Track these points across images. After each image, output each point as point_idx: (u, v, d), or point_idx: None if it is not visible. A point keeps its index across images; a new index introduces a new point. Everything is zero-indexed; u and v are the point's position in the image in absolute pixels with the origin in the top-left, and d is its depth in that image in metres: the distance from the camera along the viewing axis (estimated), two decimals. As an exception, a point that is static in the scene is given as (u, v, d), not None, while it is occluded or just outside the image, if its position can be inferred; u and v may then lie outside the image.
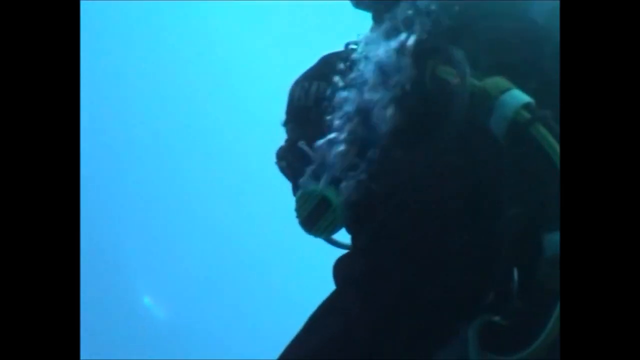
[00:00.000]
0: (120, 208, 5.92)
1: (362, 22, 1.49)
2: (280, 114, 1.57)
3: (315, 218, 1.44)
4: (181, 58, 6.04)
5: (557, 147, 1.21)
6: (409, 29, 1.37)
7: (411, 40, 1.36)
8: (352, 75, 1.42)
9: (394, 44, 1.37)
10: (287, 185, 1.57)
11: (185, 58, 6.01)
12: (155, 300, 6.36)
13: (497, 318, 1.26)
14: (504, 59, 1.35)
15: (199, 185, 6.38)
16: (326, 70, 1.50)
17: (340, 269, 1.32)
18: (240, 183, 6.26)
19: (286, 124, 1.58)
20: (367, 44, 1.43)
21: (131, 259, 5.90)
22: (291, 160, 1.53)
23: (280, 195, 1.64)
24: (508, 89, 1.29)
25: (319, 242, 1.55)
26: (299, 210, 1.47)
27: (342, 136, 1.41)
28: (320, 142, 1.43)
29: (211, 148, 6.34)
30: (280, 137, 1.57)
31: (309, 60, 1.58)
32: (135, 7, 5.35)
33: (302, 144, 1.48)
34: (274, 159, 1.57)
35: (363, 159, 1.41)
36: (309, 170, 1.47)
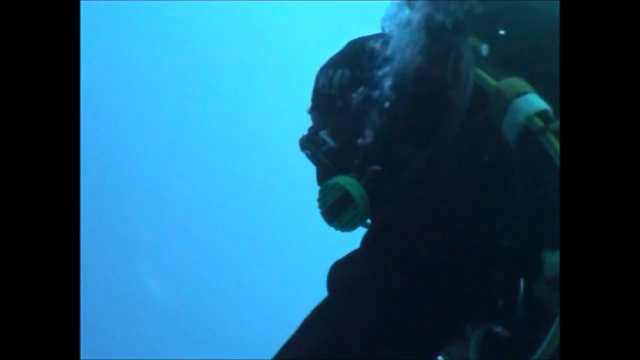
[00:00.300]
0: (126, 195, 5.90)
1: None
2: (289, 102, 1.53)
3: (337, 211, 1.40)
4: (185, 56, 6.04)
5: None
6: (443, 13, 1.34)
7: (426, 35, 1.33)
8: (377, 64, 1.40)
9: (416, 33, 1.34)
10: (292, 171, 1.52)
11: (191, 54, 6.01)
12: (159, 283, 6.34)
13: (499, 329, 1.24)
14: (532, 57, 1.30)
15: (210, 173, 6.34)
16: (352, 57, 1.47)
17: (334, 274, 1.28)
18: (246, 171, 6.23)
19: (311, 111, 1.54)
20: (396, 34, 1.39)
21: (137, 242, 5.88)
22: (313, 150, 1.49)
23: (288, 182, 1.60)
24: (524, 93, 1.23)
25: (325, 230, 1.49)
26: (320, 201, 1.43)
27: (364, 126, 1.39)
28: (344, 132, 1.41)
29: (216, 136, 6.30)
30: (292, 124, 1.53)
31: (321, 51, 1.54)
32: (136, 7, 5.34)
33: (323, 134, 1.45)
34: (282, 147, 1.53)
35: (378, 152, 1.39)
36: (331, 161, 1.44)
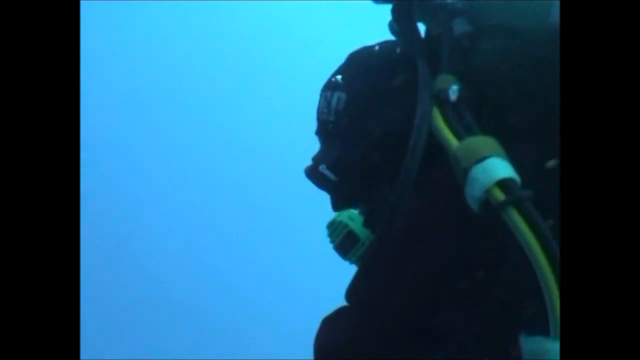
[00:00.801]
0: (138, 193, 5.86)
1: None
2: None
3: (346, 248, 1.37)
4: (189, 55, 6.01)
5: (532, 238, 1.04)
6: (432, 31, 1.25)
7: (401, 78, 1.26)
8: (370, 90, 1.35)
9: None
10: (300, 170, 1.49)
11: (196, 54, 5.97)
12: (173, 281, 6.26)
13: None
14: (509, 96, 1.16)
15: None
16: (348, 79, 1.39)
17: (320, 336, 1.27)
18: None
19: (316, 134, 1.47)
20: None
21: (149, 239, 5.80)
22: (316, 183, 1.44)
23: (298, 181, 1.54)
24: (482, 158, 1.09)
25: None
26: (330, 237, 1.40)
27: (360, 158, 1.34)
28: (344, 165, 1.37)
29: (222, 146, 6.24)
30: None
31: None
32: (137, 7, 5.34)
33: (323, 169, 1.39)
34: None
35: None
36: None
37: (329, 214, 1.43)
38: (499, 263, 1.13)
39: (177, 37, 5.49)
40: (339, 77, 1.42)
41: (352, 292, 1.27)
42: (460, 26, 1.22)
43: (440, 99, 1.17)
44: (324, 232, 1.40)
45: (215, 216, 5.20)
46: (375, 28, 1.46)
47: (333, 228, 1.38)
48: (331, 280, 1.31)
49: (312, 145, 1.48)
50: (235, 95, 5.37)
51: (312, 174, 1.42)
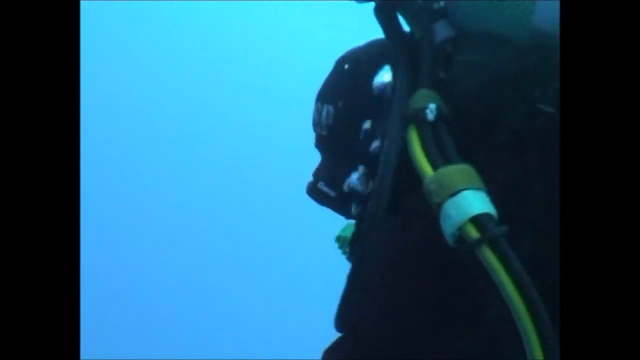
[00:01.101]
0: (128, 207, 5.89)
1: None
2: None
3: None
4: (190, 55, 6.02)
5: (506, 278, 1.00)
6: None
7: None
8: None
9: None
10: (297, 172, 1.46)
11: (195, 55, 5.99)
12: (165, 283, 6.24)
13: None
14: (491, 114, 1.09)
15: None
16: (336, 90, 1.35)
17: None
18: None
19: (315, 146, 1.43)
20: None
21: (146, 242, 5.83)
22: (317, 201, 1.40)
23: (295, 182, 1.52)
24: (455, 193, 1.02)
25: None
26: (341, 249, 1.39)
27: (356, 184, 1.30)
28: (340, 181, 1.33)
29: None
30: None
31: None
32: (137, 6, 5.35)
33: (321, 185, 1.36)
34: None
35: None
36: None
37: (333, 219, 1.43)
38: (480, 295, 1.09)
39: (177, 37, 5.49)
40: (326, 87, 1.39)
41: (340, 320, 1.25)
42: (442, 30, 1.15)
43: (417, 120, 1.11)
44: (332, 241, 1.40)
45: (217, 217, 5.20)
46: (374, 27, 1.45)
47: (341, 242, 1.38)
48: (332, 287, 1.31)
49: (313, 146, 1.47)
50: (236, 96, 5.37)
51: (312, 192, 1.39)
